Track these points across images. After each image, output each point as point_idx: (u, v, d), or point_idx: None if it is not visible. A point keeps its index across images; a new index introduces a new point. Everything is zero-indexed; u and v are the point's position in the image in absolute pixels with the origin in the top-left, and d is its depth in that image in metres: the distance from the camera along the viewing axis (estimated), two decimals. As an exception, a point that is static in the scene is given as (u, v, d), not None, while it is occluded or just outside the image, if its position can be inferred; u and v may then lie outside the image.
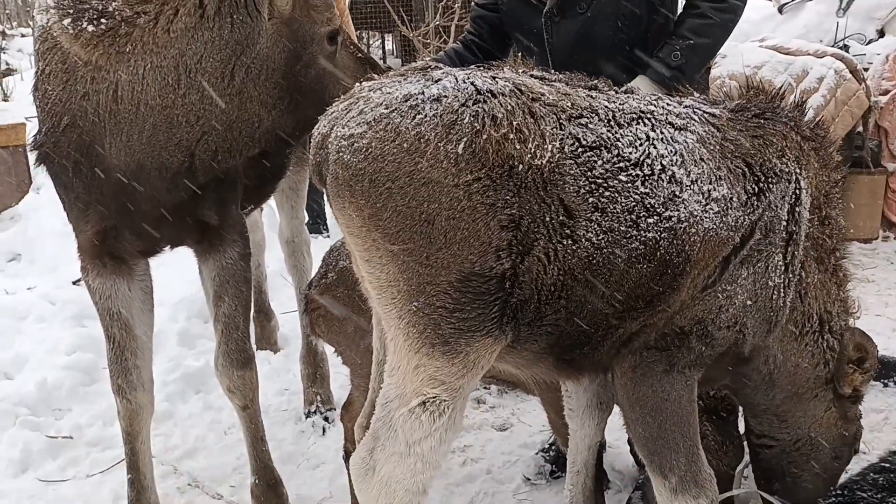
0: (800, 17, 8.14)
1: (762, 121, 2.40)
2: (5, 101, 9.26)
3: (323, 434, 3.94)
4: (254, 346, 4.54)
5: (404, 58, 12.21)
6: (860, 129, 6.70)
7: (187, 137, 2.64)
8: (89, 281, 2.93)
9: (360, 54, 2.90)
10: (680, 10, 3.16)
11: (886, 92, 6.79)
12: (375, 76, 2.73)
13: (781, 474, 2.75)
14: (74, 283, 5.21)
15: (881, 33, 7.89)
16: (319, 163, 2.13)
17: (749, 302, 2.32)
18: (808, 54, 6.58)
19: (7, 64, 11.51)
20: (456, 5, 6.11)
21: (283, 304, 5.13)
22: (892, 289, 5.78)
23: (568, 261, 2.08)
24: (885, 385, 4.13)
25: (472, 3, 3.57)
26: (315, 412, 4.06)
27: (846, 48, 7.30)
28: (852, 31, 7.69)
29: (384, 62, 13.85)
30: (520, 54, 3.22)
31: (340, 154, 2.02)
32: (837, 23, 7.67)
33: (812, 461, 2.69)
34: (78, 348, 4.54)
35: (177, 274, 4.55)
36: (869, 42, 7.70)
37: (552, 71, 2.35)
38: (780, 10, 8.52)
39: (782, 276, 2.36)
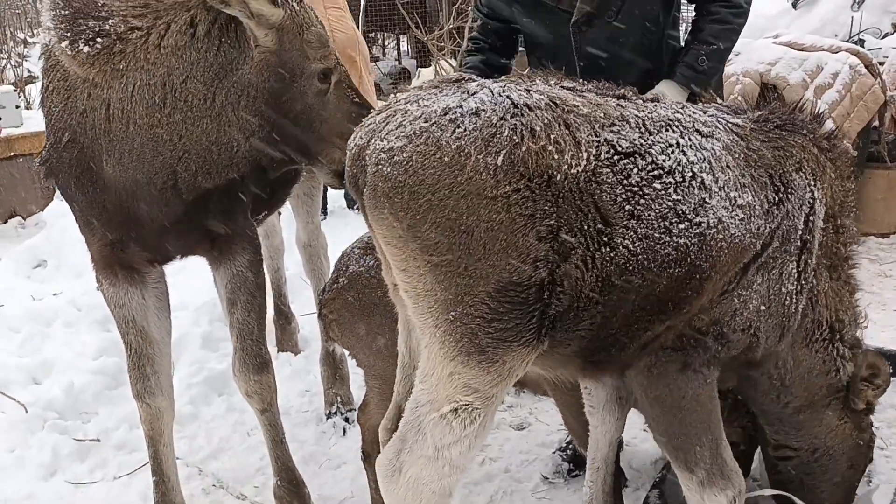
0: (814, 11, 8.11)
1: (783, 132, 2.45)
2: (28, 109, 9.40)
3: (344, 434, 3.99)
4: (274, 349, 4.65)
5: (419, 59, 12.28)
6: (876, 123, 6.67)
7: (170, 156, 2.67)
8: (104, 290, 3.00)
9: (355, 97, 2.83)
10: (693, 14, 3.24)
11: (902, 86, 6.76)
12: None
13: (799, 485, 2.78)
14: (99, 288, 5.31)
15: (897, 27, 7.87)
16: (356, 174, 2.14)
17: (763, 307, 2.36)
18: (823, 50, 6.55)
19: (29, 71, 11.68)
20: (469, 8, 6.14)
21: (303, 306, 5.17)
22: (910, 283, 5.77)
23: (606, 268, 2.11)
24: (902, 381, 4.12)
25: (475, 9, 3.56)
26: (336, 413, 4.10)
27: (861, 43, 7.27)
28: (867, 25, 7.66)
29: (399, 63, 13.92)
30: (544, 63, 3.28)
31: (380, 167, 2.04)
32: (852, 17, 7.65)
33: (830, 471, 2.73)
34: (104, 352, 4.62)
35: (199, 278, 4.62)
36: (884, 36, 7.67)
37: (580, 80, 2.38)
38: (795, 6, 8.49)
39: (795, 283, 2.40)
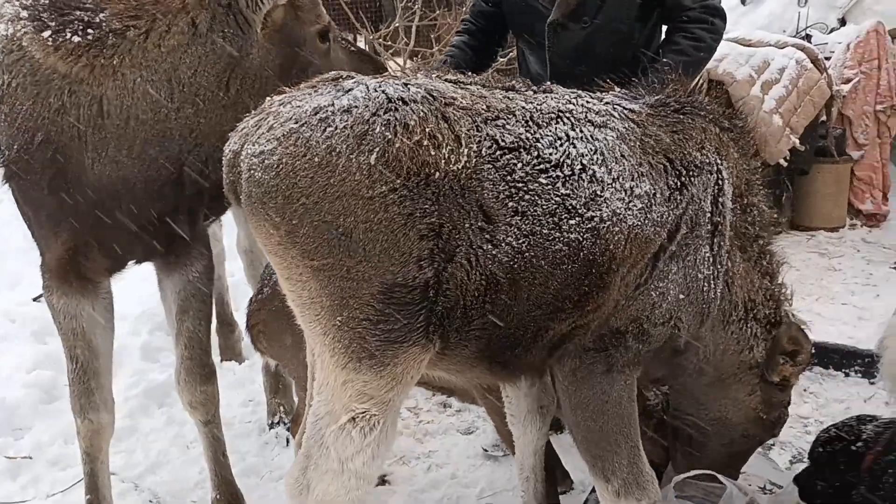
0: (762, 7, 8.20)
1: (681, 116, 2.41)
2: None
3: (287, 445, 3.90)
4: (217, 358, 4.55)
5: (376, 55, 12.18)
6: (823, 118, 6.74)
7: (179, 149, 2.63)
8: (53, 301, 2.89)
9: (352, 48, 2.88)
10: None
11: (848, 80, 6.84)
12: (371, 67, 2.72)
13: (688, 441, 2.80)
14: (35, 299, 5.15)
15: (842, 22, 7.97)
16: (233, 181, 2.09)
17: (682, 296, 2.33)
18: (770, 45, 6.61)
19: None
20: (416, 6, 6.08)
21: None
22: (858, 277, 5.83)
23: (489, 266, 2.05)
24: (847, 375, 4.16)
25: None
26: (278, 423, 4.02)
27: (808, 38, 7.37)
28: (814, 20, 7.76)
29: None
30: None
31: (252, 172, 1.98)
32: (799, 13, 7.73)
33: (721, 435, 2.75)
34: (38, 366, 4.48)
35: (138, 287, 4.49)
36: (831, 31, 7.78)
37: (469, 74, 2.33)
38: (743, 2, 8.57)
39: (711, 267, 2.38)
